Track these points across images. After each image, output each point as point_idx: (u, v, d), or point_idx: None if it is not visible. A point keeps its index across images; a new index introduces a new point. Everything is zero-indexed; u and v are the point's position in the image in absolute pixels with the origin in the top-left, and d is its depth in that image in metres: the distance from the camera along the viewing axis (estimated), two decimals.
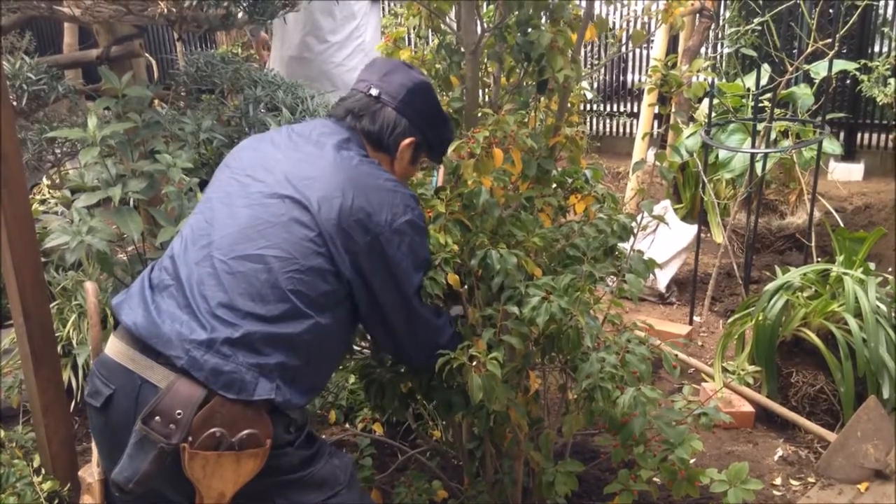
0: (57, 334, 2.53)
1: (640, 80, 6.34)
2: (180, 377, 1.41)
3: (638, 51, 6.60)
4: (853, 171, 5.72)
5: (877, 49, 5.66)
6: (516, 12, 1.90)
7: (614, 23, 6.47)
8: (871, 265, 2.88)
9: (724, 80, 5.02)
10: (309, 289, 1.48)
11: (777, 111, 4.05)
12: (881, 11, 5.66)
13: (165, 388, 1.40)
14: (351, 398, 2.67)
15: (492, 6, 2.08)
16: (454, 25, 2.03)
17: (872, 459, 2.48)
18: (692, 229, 4.00)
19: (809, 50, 3.74)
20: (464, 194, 1.76)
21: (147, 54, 3.50)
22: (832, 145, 4.31)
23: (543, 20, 1.93)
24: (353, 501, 1.63)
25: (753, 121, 3.58)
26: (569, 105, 2.04)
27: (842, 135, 5.85)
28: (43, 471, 2.17)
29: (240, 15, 2.72)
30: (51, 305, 2.62)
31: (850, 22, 3.88)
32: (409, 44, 2.51)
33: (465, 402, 1.79)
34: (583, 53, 3.56)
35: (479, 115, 1.92)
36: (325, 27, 4.16)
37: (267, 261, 1.48)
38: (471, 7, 1.92)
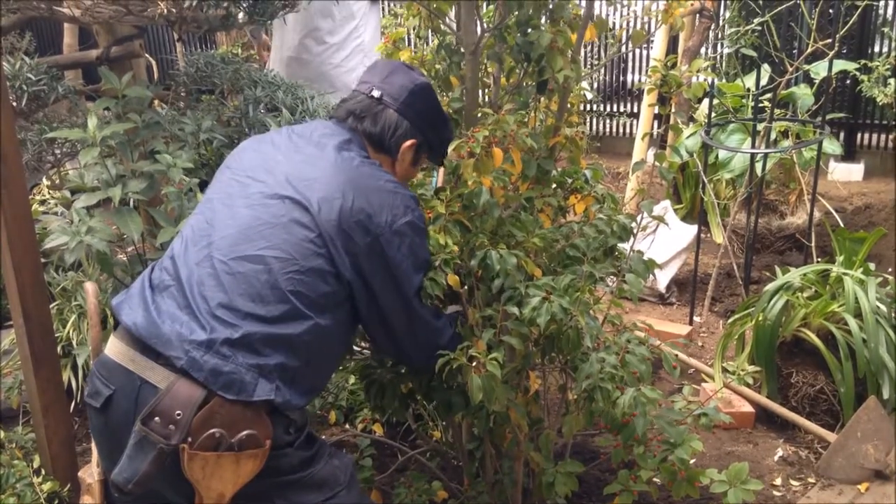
0: (57, 335, 2.53)
1: (639, 81, 6.33)
2: (180, 378, 1.41)
3: (638, 51, 6.59)
4: (853, 172, 5.72)
5: (877, 49, 5.65)
6: (516, 12, 1.90)
7: (614, 23, 6.48)
8: (871, 265, 2.88)
9: (723, 81, 5.02)
10: (309, 290, 1.48)
11: (777, 111, 4.05)
12: (881, 11, 5.66)
13: (165, 388, 1.40)
14: (351, 399, 2.67)
15: (492, 6, 2.08)
16: (454, 26, 2.03)
17: (872, 460, 2.48)
18: (692, 229, 4.00)
19: (809, 50, 3.73)
20: (464, 195, 1.76)
21: (147, 55, 3.50)
22: (832, 145, 4.31)
23: (543, 20, 1.93)
24: (352, 502, 1.63)
25: (753, 121, 3.58)
26: (568, 105, 2.04)
27: (842, 135, 5.85)
28: (43, 471, 2.17)
29: (240, 15, 2.73)
30: (51, 306, 2.62)
31: (850, 22, 3.88)
32: (409, 44, 2.50)
33: (464, 402, 1.79)
34: (583, 53, 3.56)
35: (479, 115, 1.92)
36: (324, 28, 4.16)
37: (267, 261, 1.48)
38: (470, 7, 1.92)
